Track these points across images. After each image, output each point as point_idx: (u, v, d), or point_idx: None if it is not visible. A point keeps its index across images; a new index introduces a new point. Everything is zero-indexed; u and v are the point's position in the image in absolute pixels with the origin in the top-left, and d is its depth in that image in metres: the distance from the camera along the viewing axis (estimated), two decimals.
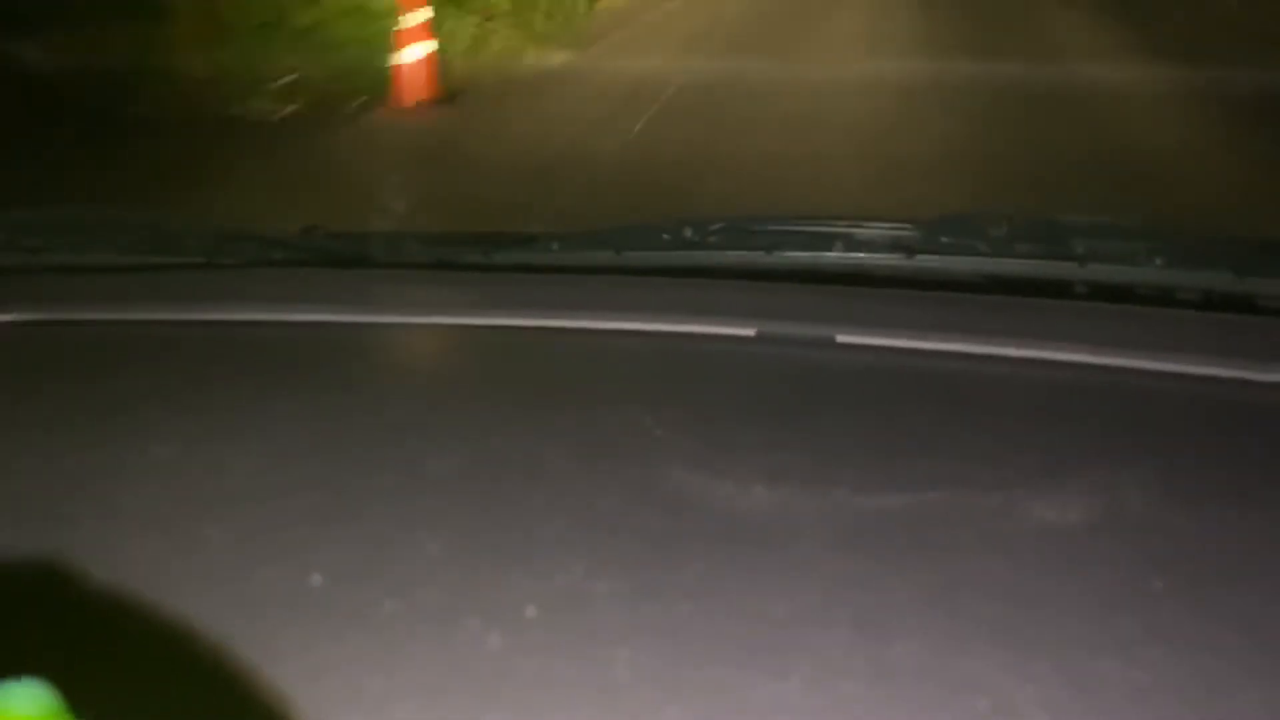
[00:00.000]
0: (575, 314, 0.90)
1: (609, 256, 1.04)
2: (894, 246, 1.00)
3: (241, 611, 0.54)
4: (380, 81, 5.49)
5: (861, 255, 1.01)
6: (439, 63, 5.59)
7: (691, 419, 0.74)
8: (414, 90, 5.46)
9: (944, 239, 1.00)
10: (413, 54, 5.48)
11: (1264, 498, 0.65)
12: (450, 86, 5.60)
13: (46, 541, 0.60)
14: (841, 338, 0.85)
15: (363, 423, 0.74)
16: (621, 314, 0.90)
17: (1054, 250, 0.98)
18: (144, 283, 1.03)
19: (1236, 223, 3.49)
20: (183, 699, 0.49)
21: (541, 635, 0.53)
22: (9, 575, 0.57)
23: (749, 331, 0.86)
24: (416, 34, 5.49)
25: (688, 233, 1.04)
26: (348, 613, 0.54)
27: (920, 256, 0.98)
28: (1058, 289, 0.95)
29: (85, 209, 1.40)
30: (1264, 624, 0.54)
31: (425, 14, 5.53)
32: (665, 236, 1.05)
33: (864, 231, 1.02)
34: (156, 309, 0.95)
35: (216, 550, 0.60)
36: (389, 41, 5.50)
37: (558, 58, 6.56)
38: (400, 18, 5.48)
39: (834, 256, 1.01)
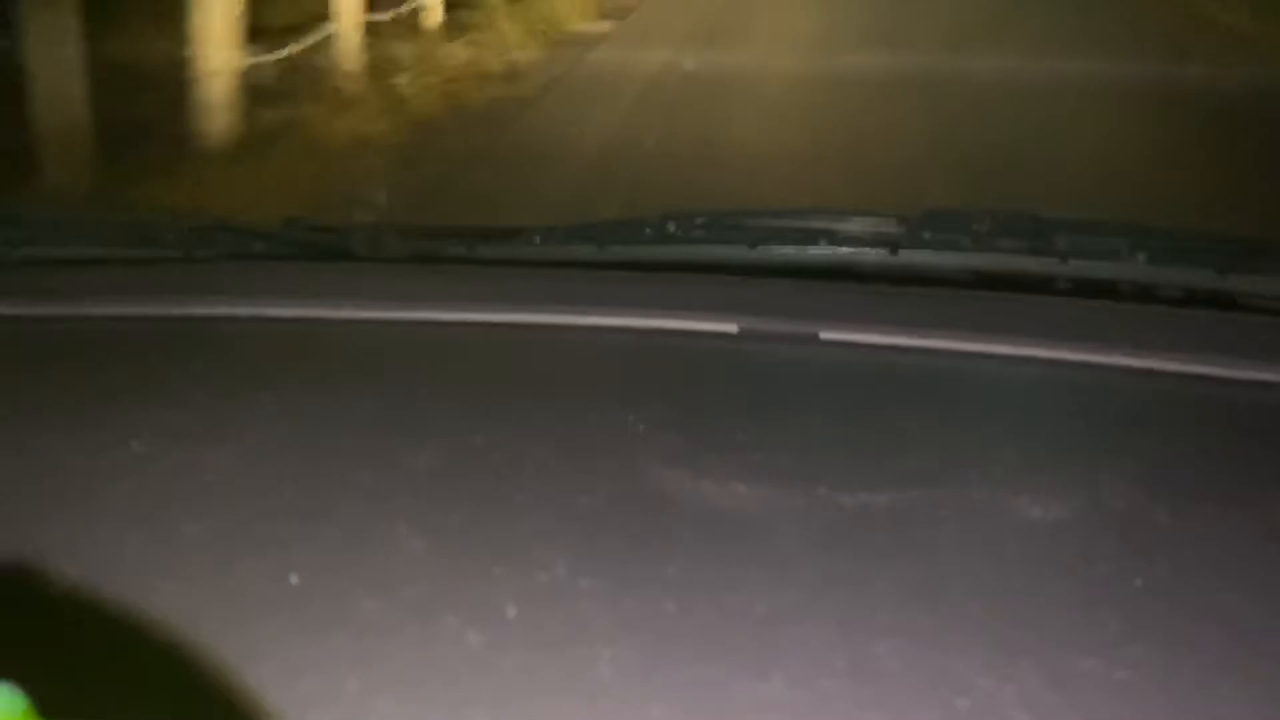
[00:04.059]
0: (558, 309, 0.90)
1: (592, 251, 1.03)
2: (878, 242, 1.00)
3: (219, 609, 0.54)
4: None
5: (845, 250, 1.00)
6: None
7: (674, 415, 0.73)
8: None
9: (927, 234, 1.00)
10: None
11: (1245, 495, 0.66)
12: None
13: (19, 537, 0.59)
14: (824, 334, 0.84)
15: (342, 418, 0.73)
16: (604, 309, 0.89)
17: (1037, 246, 0.98)
18: (122, 277, 1.02)
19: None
20: (158, 698, 0.48)
21: (522, 633, 0.53)
22: None
23: (731, 328, 0.86)
24: None
25: (671, 227, 1.04)
26: (326, 610, 0.54)
27: (904, 252, 0.98)
28: (1040, 285, 0.95)
29: (63, 203, 1.39)
30: (1244, 621, 0.54)
31: None
32: (648, 231, 1.04)
33: (848, 226, 1.02)
34: (134, 303, 0.94)
35: (194, 547, 0.59)
36: None
37: None
38: None
39: (818, 252, 1.00)
